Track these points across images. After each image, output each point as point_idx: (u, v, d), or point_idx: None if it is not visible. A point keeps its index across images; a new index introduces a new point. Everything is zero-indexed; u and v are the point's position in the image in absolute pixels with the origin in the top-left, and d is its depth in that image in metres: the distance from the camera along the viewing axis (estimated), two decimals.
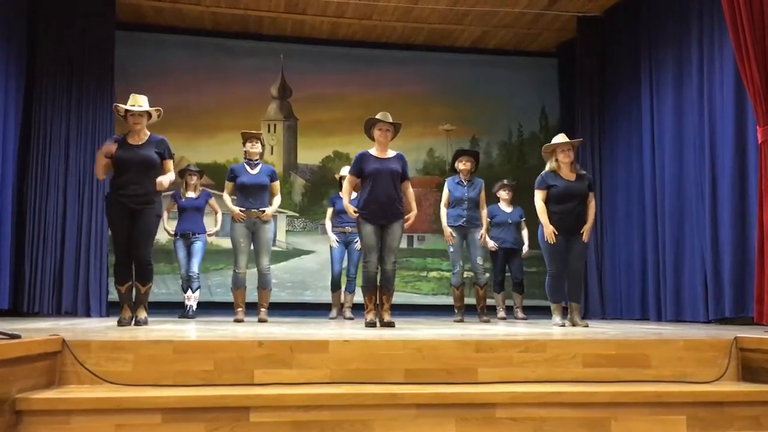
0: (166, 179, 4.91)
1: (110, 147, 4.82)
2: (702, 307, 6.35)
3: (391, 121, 5.28)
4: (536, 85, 9.59)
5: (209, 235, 7.39)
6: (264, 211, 6.07)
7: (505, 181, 7.74)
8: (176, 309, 7.23)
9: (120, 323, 4.75)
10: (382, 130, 5.27)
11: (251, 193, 6.09)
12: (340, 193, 7.28)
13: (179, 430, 2.82)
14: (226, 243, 8.66)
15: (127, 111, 4.91)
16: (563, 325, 5.46)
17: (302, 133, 9.38)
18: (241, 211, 6.03)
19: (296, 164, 9.36)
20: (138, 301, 4.95)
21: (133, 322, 4.86)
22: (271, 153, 9.19)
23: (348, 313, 7.14)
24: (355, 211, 5.21)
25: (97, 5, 7.81)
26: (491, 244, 7.36)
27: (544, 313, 8.18)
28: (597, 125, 8.39)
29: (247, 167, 6.17)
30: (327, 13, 8.58)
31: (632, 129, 7.81)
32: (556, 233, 5.50)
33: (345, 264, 7.25)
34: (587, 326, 5.46)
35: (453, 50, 9.56)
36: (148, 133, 4.98)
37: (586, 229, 5.63)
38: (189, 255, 7.19)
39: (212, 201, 7.45)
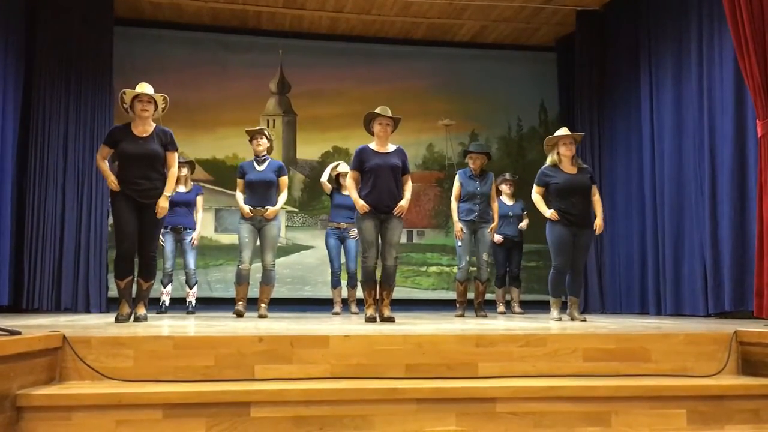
0: (165, 202, 4.82)
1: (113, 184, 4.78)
2: (701, 301, 6.36)
3: (390, 115, 5.27)
4: (535, 79, 9.57)
5: (192, 242, 7.07)
6: (267, 209, 6.08)
7: (507, 176, 7.73)
8: (176, 305, 7.22)
9: (117, 319, 4.68)
10: (381, 125, 5.25)
11: (257, 191, 6.11)
12: (342, 190, 7.24)
13: (180, 425, 2.82)
14: (225, 239, 8.70)
15: (134, 98, 4.80)
16: (560, 320, 5.47)
17: (301, 129, 9.37)
18: (249, 210, 6.05)
19: (295, 160, 9.36)
20: (139, 297, 4.91)
21: (132, 319, 4.81)
22: (271, 147, 9.15)
23: (353, 307, 7.16)
24: (363, 206, 5.15)
25: (96, 1, 7.79)
26: (497, 237, 7.36)
27: (542, 307, 8.19)
28: (596, 119, 8.38)
29: (255, 164, 6.20)
30: (326, 8, 8.57)
31: (632, 123, 7.81)
32: (560, 217, 5.52)
33: (343, 260, 7.24)
34: (585, 320, 5.48)
35: (452, 45, 9.55)
36: (153, 124, 4.90)
37: (598, 224, 5.69)
38: (178, 250, 7.15)
39: (200, 199, 7.22)
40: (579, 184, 5.61)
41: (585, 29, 8.46)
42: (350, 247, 7.10)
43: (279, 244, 8.78)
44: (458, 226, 6.51)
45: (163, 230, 6.99)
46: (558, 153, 5.67)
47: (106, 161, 4.90)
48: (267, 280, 6.17)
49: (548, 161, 5.75)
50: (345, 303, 7.32)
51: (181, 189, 7.15)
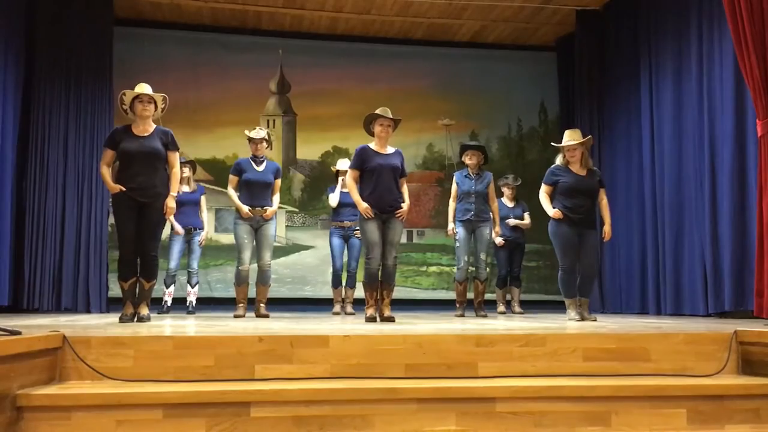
0: (172, 202, 4.85)
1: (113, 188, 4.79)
2: (701, 301, 6.36)
3: (391, 116, 5.28)
4: (535, 79, 9.58)
5: (201, 243, 7.16)
6: (266, 210, 6.08)
7: (509, 180, 7.67)
8: (178, 305, 7.22)
9: (122, 320, 4.71)
10: (383, 126, 5.26)
11: (256, 191, 6.10)
12: (338, 186, 7.25)
13: (180, 425, 2.82)
14: (225, 239, 8.70)
15: (134, 99, 4.83)
16: (580, 320, 5.38)
17: (301, 129, 9.38)
18: (248, 210, 6.04)
19: (295, 160, 9.36)
20: (141, 297, 4.89)
21: (135, 319, 4.83)
22: (270, 149, 9.17)
23: (349, 308, 7.15)
24: (367, 210, 5.14)
25: (95, 1, 7.79)
26: (499, 240, 7.32)
27: (542, 307, 8.21)
28: (596, 119, 8.38)
29: (253, 163, 6.18)
30: (326, 7, 8.57)
31: (631, 123, 7.81)
32: (563, 215, 5.47)
33: (345, 258, 7.23)
34: (596, 320, 5.43)
35: (452, 45, 9.56)
36: (154, 125, 4.92)
37: (606, 231, 5.66)
38: (186, 251, 7.14)
39: (203, 199, 7.26)
40: (586, 186, 5.56)
41: (585, 29, 8.47)
42: (354, 245, 7.07)
43: (279, 245, 8.84)
44: (450, 225, 6.52)
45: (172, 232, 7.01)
46: (564, 156, 5.64)
47: (110, 169, 4.91)
48: (264, 279, 6.17)
49: (558, 161, 5.68)
50: (343, 302, 7.30)
51: (186, 189, 7.12)
